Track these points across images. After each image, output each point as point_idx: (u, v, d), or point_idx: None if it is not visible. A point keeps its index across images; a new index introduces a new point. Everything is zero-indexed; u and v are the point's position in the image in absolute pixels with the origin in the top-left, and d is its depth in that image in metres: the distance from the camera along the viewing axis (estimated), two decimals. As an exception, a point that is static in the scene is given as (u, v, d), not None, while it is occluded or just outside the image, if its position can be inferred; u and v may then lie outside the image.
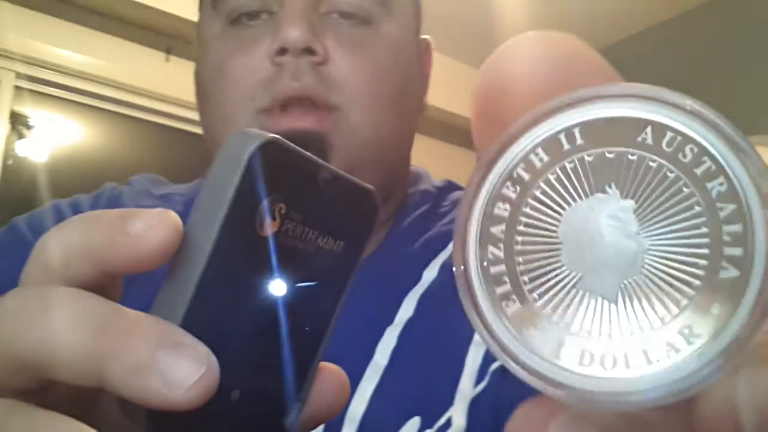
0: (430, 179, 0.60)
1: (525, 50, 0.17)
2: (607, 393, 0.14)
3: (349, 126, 0.47)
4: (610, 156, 0.15)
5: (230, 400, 0.20)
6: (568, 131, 0.15)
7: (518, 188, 0.16)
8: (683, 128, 0.14)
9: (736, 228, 0.14)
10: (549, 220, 0.16)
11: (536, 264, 0.16)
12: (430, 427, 0.41)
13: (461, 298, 0.16)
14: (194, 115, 0.53)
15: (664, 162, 0.15)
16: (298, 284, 0.21)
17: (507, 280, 0.16)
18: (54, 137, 2.16)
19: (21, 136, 2.09)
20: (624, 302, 0.15)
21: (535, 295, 0.15)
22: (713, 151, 0.14)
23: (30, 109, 2.09)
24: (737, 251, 0.14)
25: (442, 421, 0.41)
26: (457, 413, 0.41)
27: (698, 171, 0.14)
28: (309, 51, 0.46)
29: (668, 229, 0.15)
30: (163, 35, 2.14)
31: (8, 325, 0.19)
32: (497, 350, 0.15)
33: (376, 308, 0.46)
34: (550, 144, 0.16)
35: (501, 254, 0.16)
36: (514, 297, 0.16)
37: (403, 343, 0.44)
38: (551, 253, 0.15)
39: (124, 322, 0.18)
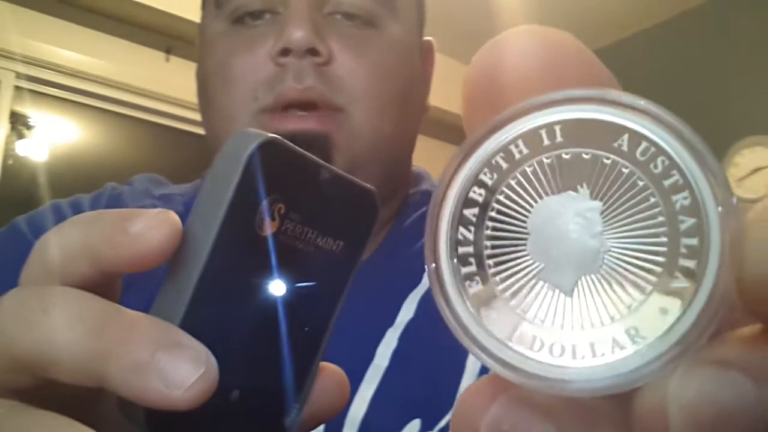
0: (431, 179, 0.60)
1: (517, 42, 0.17)
2: (552, 378, 0.15)
3: (352, 126, 0.47)
4: (586, 157, 0.16)
5: (229, 400, 0.20)
6: (549, 128, 0.16)
7: (495, 175, 0.16)
8: (658, 140, 0.15)
9: (694, 242, 0.14)
10: (520, 210, 0.16)
11: (503, 249, 0.16)
12: (431, 429, 0.41)
13: (428, 273, 0.16)
14: (194, 115, 0.53)
15: (635, 170, 0.15)
16: (298, 284, 0.21)
17: (473, 261, 0.16)
18: (54, 137, 2.16)
19: (21, 136, 2.09)
20: (579, 297, 0.15)
21: (497, 278, 0.16)
22: (683, 166, 0.15)
23: (30, 109, 2.09)
24: (691, 263, 0.14)
25: (442, 423, 0.41)
26: (457, 414, 0.41)
27: (666, 183, 0.15)
28: (312, 52, 0.45)
29: (630, 234, 0.15)
30: (163, 35, 2.14)
31: (8, 325, 0.19)
32: (454, 326, 0.16)
33: (376, 310, 0.46)
34: (531, 138, 0.16)
35: (471, 236, 0.16)
36: (478, 278, 0.16)
37: (403, 344, 0.44)
38: (518, 242, 0.16)
39: (124, 323, 0.18)
